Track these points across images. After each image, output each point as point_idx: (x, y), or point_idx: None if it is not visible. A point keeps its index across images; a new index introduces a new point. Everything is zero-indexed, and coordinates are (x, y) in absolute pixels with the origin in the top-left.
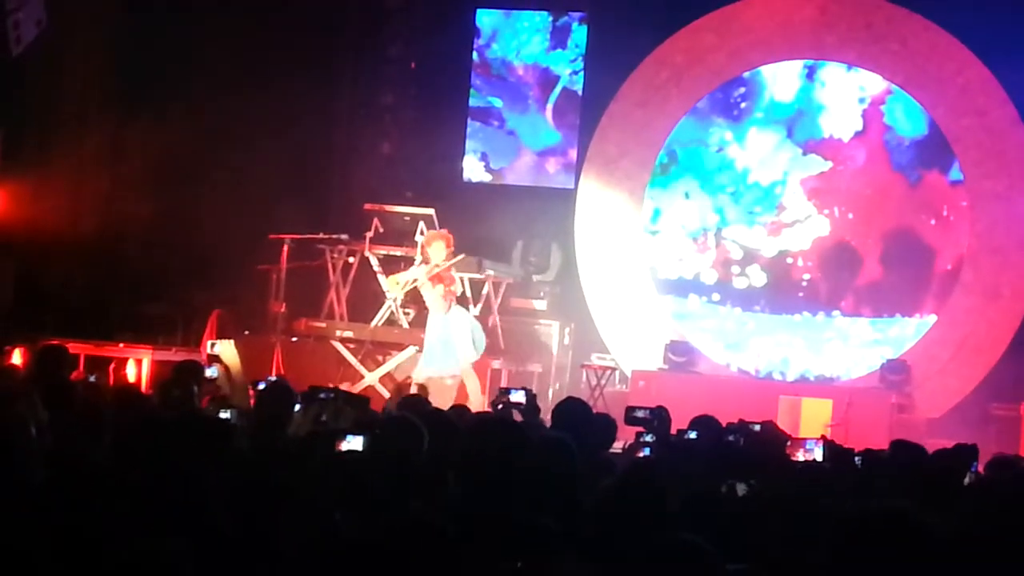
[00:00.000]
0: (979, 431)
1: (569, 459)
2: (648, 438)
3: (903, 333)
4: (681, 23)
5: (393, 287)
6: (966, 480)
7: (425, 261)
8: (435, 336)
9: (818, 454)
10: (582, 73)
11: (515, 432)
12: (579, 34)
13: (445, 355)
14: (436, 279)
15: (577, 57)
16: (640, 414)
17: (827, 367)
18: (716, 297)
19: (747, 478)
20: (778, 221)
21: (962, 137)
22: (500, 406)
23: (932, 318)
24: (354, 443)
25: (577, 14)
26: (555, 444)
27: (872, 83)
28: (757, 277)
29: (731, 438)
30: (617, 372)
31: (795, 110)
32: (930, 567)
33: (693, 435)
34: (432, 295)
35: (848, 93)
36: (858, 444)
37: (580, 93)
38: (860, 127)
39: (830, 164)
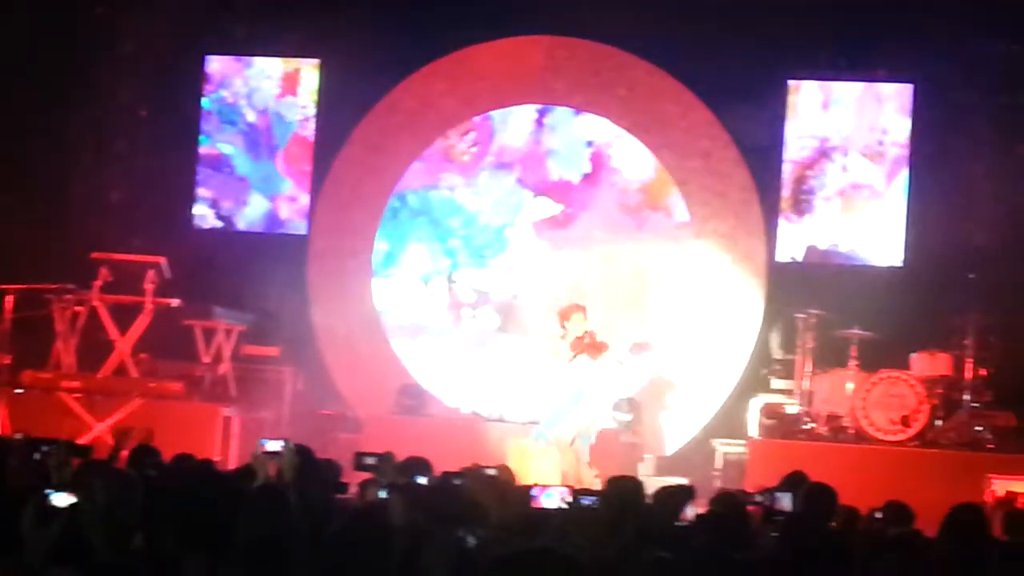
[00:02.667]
0: (706, 469)
1: (283, 509)
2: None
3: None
4: (413, 68)
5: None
6: (686, 516)
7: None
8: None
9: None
10: (314, 119)
11: (226, 485)
12: (311, 80)
13: (562, 417)
14: (596, 349)
15: (309, 103)
16: (369, 460)
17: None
18: (449, 340)
19: (475, 525)
20: (509, 263)
21: (688, 179)
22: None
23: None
24: (61, 499)
25: (309, 60)
26: (269, 496)
27: (600, 127)
28: (490, 319)
29: (458, 482)
30: (350, 418)
31: (525, 154)
32: None
33: (423, 480)
34: (596, 365)
35: (577, 137)
36: (589, 484)
37: (312, 138)
38: (588, 169)
39: (561, 207)
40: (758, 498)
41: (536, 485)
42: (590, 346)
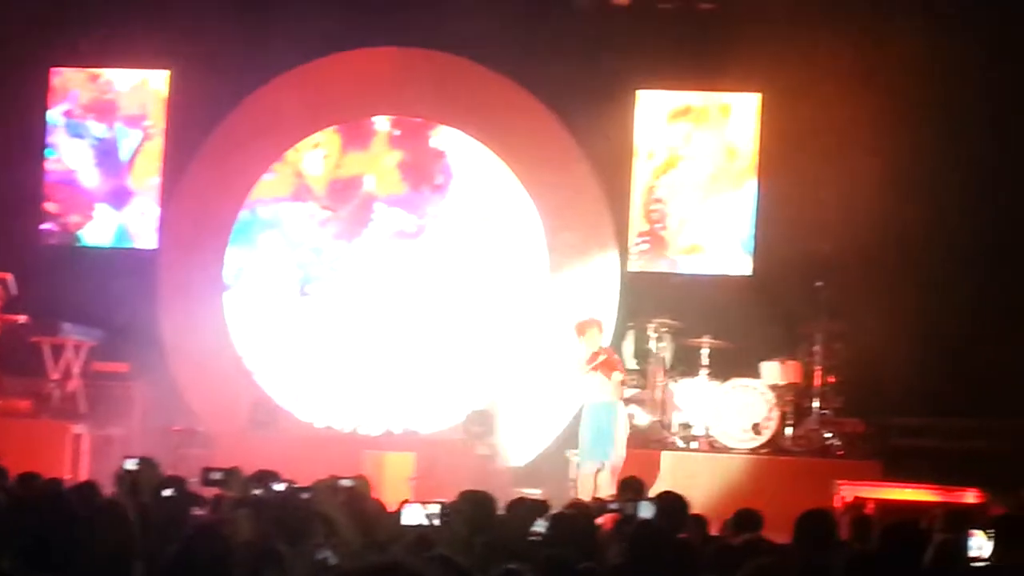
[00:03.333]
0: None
1: (123, 527)
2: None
3: (491, 383)
4: (263, 80)
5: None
6: (539, 529)
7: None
8: (595, 425)
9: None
10: (163, 131)
11: (71, 504)
12: (160, 91)
13: (601, 444)
14: (609, 367)
15: (158, 115)
16: (215, 476)
17: (413, 420)
18: (301, 353)
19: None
20: (361, 275)
21: (539, 190)
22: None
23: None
24: None
25: (158, 71)
26: (111, 514)
27: (451, 138)
28: (343, 331)
29: (306, 495)
30: (201, 433)
31: (376, 166)
32: None
33: (259, 492)
34: (607, 383)
35: (428, 148)
36: (443, 496)
37: (162, 151)
38: (440, 180)
39: (413, 218)
40: (613, 506)
41: (405, 501)
42: (606, 363)
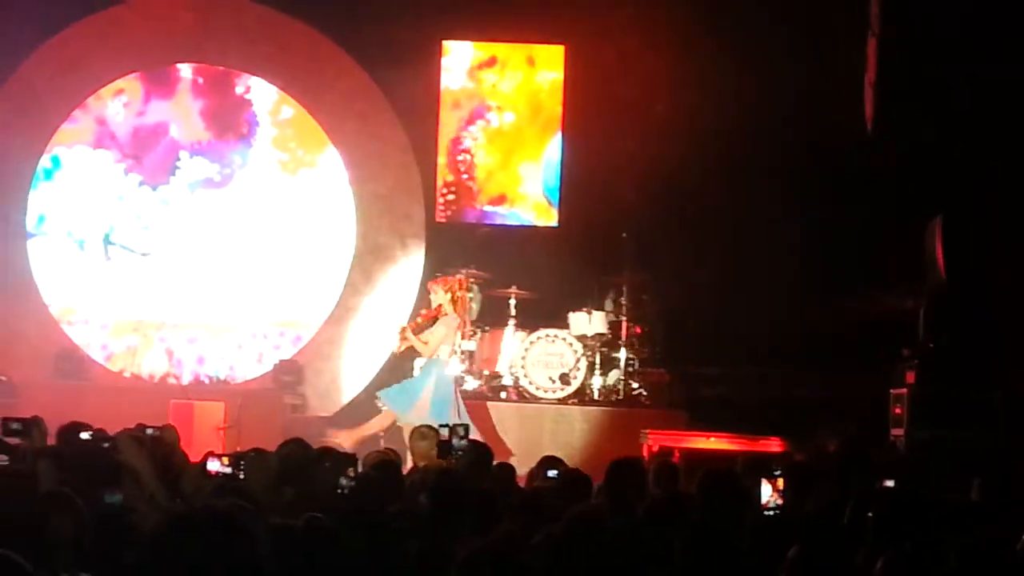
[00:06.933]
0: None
1: None
2: None
3: (300, 333)
4: (61, 26)
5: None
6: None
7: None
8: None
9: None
10: None
11: None
12: None
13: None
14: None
15: None
16: (15, 426)
17: (223, 369)
18: (106, 301)
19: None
20: (165, 224)
21: (345, 140)
22: None
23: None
24: None
25: None
26: None
27: (255, 87)
28: (147, 280)
29: (107, 444)
30: (4, 383)
31: (179, 114)
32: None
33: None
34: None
35: (232, 96)
36: (252, 445)
37: None
38: (245, 130)
39: (216, 167)
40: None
41: (210, 453)
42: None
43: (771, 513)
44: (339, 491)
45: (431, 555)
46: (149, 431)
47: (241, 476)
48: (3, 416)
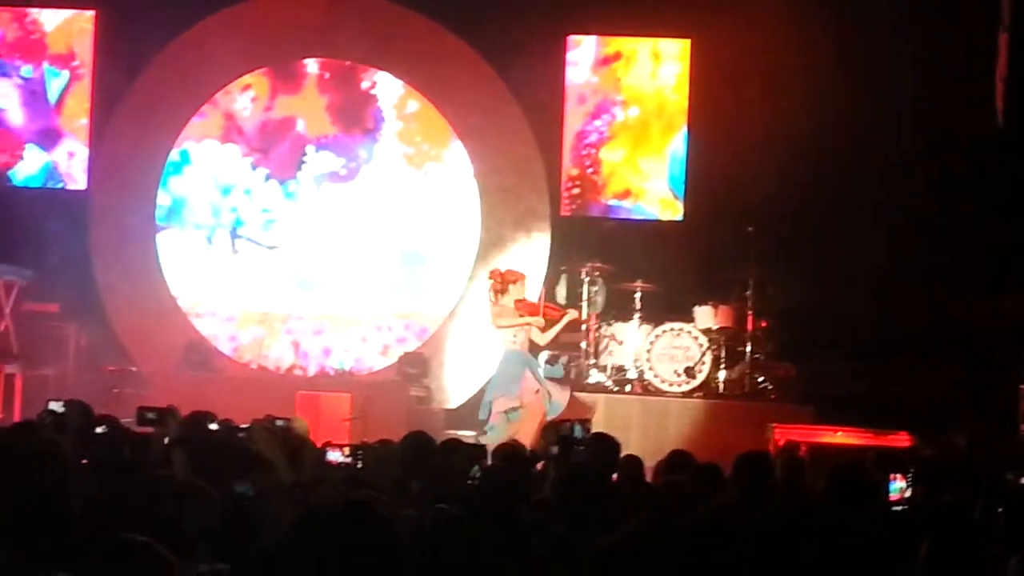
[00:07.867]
0: None
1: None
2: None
3: (425, 325)
4: (192, 21)
5: None
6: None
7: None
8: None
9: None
10: (90, 72)
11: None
12: (87, 31)
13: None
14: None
15: (85, 56)
16: (151, 415)
17: (348, 361)
18: (234, 294)
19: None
20: (292, 218)
21: (470, 134)
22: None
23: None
24: None
25: (85, 11)
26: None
27: (382, 82)
28: (273, 273)
29: (241, 435)
30: (135, 374)
31: (306, 108)
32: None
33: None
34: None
35: (358, 91)
36: (377, 437)
37: (90, 92)
38: (371, 124)
39: (343, 160)
40: (554, 450)
41: (328, 443)
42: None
43: (900, 508)
44: (469, 481)
45: (560, 547)
46: (278, 422)
47: (359, 466)
48: (138, 406)
